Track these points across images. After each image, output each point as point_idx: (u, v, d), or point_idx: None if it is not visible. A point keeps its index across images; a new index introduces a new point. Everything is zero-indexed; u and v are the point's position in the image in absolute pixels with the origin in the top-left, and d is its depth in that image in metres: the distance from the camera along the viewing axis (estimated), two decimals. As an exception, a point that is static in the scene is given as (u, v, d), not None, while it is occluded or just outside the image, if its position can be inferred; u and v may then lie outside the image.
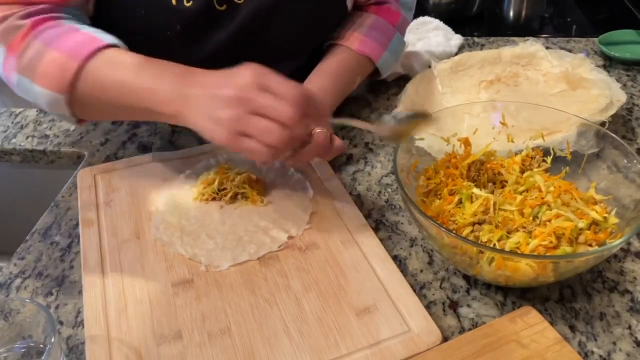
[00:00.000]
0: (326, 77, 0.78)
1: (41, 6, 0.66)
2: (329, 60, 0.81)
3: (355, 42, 0.82)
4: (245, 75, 0.55)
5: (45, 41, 0.63)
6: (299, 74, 0.80)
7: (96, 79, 0.62)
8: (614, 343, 0.56)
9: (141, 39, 0.72)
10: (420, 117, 0.63)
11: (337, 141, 0.66)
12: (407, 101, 0.88)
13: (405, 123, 0.64)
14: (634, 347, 0.55)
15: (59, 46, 0.62)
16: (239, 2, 0.74)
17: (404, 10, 0.89)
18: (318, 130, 0.61)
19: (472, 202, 0.64)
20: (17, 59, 0.64)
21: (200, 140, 0.87)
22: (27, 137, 0.91)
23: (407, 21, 0.91)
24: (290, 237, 0.67)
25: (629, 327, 0.57)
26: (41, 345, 0.53)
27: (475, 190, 0.65)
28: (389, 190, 0.76)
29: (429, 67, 0.97)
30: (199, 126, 0.57)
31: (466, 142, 0.70)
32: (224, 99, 0.55)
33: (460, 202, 0.65)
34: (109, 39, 0.65)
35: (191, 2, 0.71)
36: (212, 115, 0.55)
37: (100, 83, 0.62)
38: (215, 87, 0.56)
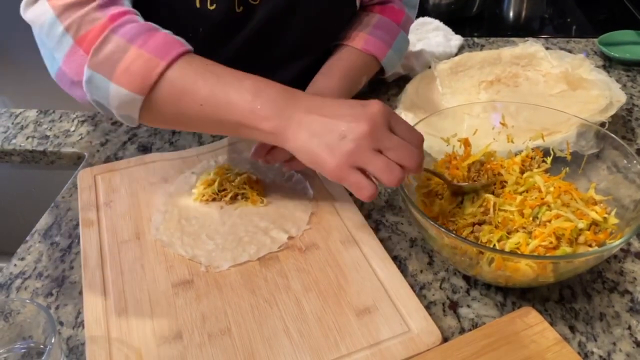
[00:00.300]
0: (332, 78, 0.79)
1: None
2: (335, 61, 0.81)
3: (361, 41, 0.82)
4: (377, 113, 0.54)
5: (127, 37, 0.59)
6: (308, 74, 0.80)
7: (182, 84, 0.59)
8: (614, 343, 0.56)
9: None
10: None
11: None
12: (407, 102, 0.88)
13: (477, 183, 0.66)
14: (633, 347, 0.55)
15: (143, 44, 0.58)
16: (255, 3, 0.74)
17: (407, 8, 0.89)
18: None
19: (472, 202, 0.64)
20: (92, 54, 0.59)
21: (200, 141, 0.87)
22: (28, 138, 0.91)
23: (411, 19, 0.91)
24: (290, 238, 0.67)
25: (629, 328, 0.57)
26: (41, 346, 0.53)
27: (475, 191, 0.65)
28: (389, 190, 0.76)
29: (429, 67, 0.97)
30: (303, 150, 0.56)
31: (466, 143, 0.70)
32: (352, 131, 0.54)
33: (461, 202, 0.65)
34: (188, 44, 0.61)
35: (214, 5, 0.71)
36: (328, 143, 0.54)
37: (184, 89, 0.59)
38: (341, 118, 0.55)
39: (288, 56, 0.82)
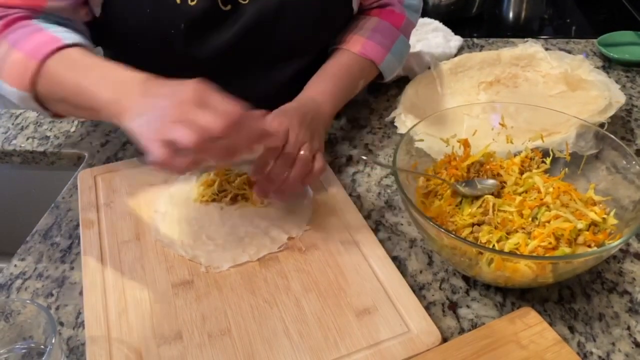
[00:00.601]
0: (327, 81, 0.79)
1: (15, 10, 0.68)
2: (330, 64, 0.81)
3: (357, 45, 0.82)
4: (186, 90, 0.56)
5: (12, 42, 0.66)
6: (306, 74, 0.80)
7: (52, 77, 0.65)
8: (613, 344, 0.56)
9: (147, 38, 0.74)
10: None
11: (318, 163, 0.67)
12: (406, 103, 0.88)
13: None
14: (632, 347, 0.55)
15: (22, 47, 0.65)
16: (244, 2, 0.74)
17: (408, 12, 0.88)
18: (302, 152, 0.65)
19: (472, 203, 0.64)
20: None
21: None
22: (28, 139, 0.91)
23: (412, 23, 0.90)
24: (290, 238, 0.67)
25: (628, 328, 0.57)
26: (42, 346, 0.53)
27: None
28: (389, 191, 0.76)
29: (429, 68, 0.97)
30: (133, 129, 0.57)
31: (465, 144, 0.70)
32: (162, 108, 0.56)
33: (460, 202, 0.65)
34: (71, 38, 0.66)
35: (195, 1, 0.71)
36: (146, 120, 0.56)
37: (55, 81, 0.65)
38: (158, 97, 0.58)
39: (282, 56, 0.82)
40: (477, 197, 0.65)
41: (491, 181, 0.67)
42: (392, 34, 0.85)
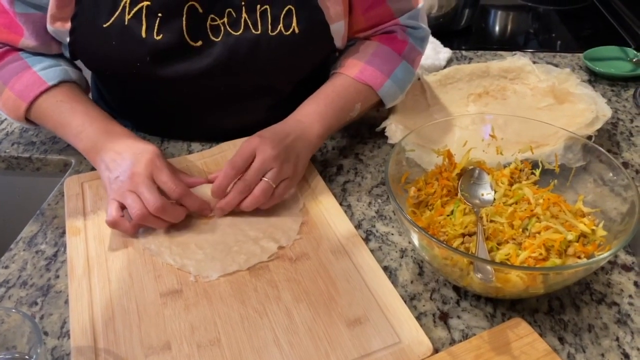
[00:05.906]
0: (317, 103, 0.78)
1: (1, 45, 0.78)
2: (325, 87, 0.80)
3: (355, 69, 0.80)
4: (140, 165, 0.68)
5: (3, 79, 0.77)
6: (280, 108, 0.80)
7: (40, 117, 0.78)
8: (602, 355, 0.56)
9: (114, 66, 0.75)
10: None
11: (278, 191, 0.70)
12: (396, 114, 0.88)
13: None
14: (621, 358, 0.56)
15: (12, 86, 0.76)
16: (216, 39, 0.74)
17: (412, 39, 0.85)
18: (265, 179, 0.69)
19: (464, 214, 0.64)
20: None
21: (189, 149, 0.86)
22: (13, 144, 0.89)
23: (416, 50, 0.86)
24: (280, 248, 0.67)
25: (617, 339, 0.58)
26: (26, 356, 0.52)
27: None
28: (379, 201, 0.76)
29: (418, 79, 0.97)
30: (100, 174, 0.73)
31: (448, 155, 0.70)
32: (122, 175, 0.68)
33: (451, 212, 0.65)
34: (55, 77, 0.77)
35: (161, 35, 0.72)
36: (108, 177, 0.70)
37: (43, 120, 0.78)
38: (122, 161, 0.69)
39: (257, 89, 0.81)
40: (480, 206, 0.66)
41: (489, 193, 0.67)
42: (392, 60, 0.82)
